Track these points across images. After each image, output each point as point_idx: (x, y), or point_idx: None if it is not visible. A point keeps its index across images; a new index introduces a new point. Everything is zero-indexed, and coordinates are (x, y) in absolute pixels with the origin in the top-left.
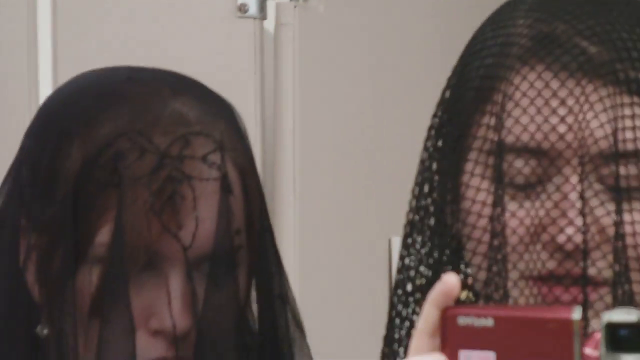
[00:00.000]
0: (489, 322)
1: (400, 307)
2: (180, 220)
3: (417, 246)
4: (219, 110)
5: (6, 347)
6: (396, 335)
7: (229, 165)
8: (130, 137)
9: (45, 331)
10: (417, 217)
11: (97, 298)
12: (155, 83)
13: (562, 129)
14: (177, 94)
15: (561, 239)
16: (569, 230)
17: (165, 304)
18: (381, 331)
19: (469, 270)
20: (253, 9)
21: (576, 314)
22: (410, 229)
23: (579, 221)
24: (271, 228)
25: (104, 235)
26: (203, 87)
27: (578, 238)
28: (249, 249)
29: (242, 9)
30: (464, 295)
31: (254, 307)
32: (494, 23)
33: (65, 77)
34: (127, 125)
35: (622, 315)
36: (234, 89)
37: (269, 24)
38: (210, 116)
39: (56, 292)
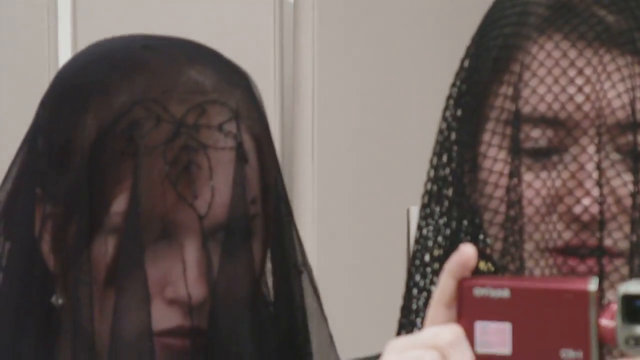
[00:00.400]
0: (505, 293)
1: (417, 277)
2: (196, 189)
3: (435, 216)
4: (235, 79)
5: (21, 317)
6: (413, 306)
7: (245, 134)
8: (146, 106)
9: (61, 301)
10: (435, 188)
11: (112, 267)
12: (171, 51)
13: (579, 98)
14: (193, 62)
15: (578, 209)
16: (586, 201)
17: (180, 274)
18: (398, 301)
19: (488, 241)
20: None
21: (592, 285)
22: (429, 199)
23: (595, 192)
24: (287, 197)
25: (119, 205)
26: (219, 55)
27: (595, 209)
28: (264, 218)
29: None
30: (482, 265)
31: (271, 277)
32: None
33: (84, 44)
34: (143, 94)
35: (638, 286)
36: (253, 58)
37: None
38: (226, 84)
39: (71, 262)
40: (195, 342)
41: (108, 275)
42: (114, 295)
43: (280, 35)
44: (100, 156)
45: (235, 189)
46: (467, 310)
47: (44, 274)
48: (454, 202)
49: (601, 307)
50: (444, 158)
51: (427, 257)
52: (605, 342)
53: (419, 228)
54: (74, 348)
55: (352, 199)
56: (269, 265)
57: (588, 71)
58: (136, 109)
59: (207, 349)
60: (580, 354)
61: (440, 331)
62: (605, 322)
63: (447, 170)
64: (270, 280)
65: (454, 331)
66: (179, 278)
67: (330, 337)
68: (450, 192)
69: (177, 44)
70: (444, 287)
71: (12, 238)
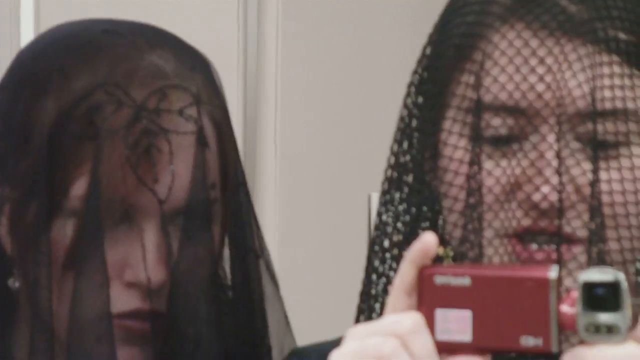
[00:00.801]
0: (465, 281)
1: (376, 263)
2: (156, 173)
3: (395, 203)
4: (196, 64)
5: None
6: (373, 291)
7: (205, 119)
8: (107, 90)
9: (17, 284)
10: (395, 174)
11: (71, 251)
12: (131, 36)
13: (540, 87)
14: (154, 47)
15: (537, 197)
16: (545, 189)
17: (140, 257)
18: (358, 287)
19: (447, 228)
20: None
21: (553, 272)
22: (389, 185)
23: (554, 180)
24: (246, 183)
25: (79, 188)
26: (180, 40)
27: (553, 196)
28: (223, 202)
29: None
30: (441, 251)
31: (229, 261)
32: None
33: (46, 27)
34: (104, 78)
35: (599, 274)
36: (217, 44)
37: None
38: (188, 69)
39: (29, 245)
40: (154, 325)
41: (67, 258)
42: (73, 278)
43: (244, 25)
44: (60, 140)
45: (196, 173)
46: (428, 298)
47: (1, 257)
48: (414, 188)
49: (561, 294)
50: (405, 145)
51: (386, 243)
52: (565, 329)
53: (379, 214)
54: (32, 330)
55: (314, 186)
56: (227, 251)
57: (549, 60)
58: (97, 93)
59: (165, 332)
60: (540, 341)
61: (400, 319)
62: (565, 308)
63: (408, 157)
64: (228, 265)
65: (414, 319)
66: (138, 261)
67: (287, 319)
68: (410, 178)
69: (137, 29)
70: (404, 274)
71: None
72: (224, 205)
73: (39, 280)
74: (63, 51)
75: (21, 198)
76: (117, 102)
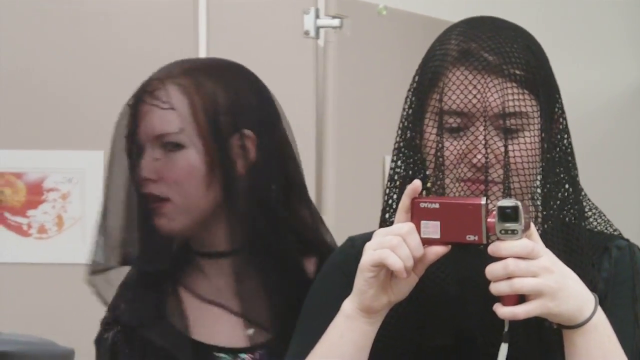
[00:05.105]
0: (436, 206)
1: (389, 198)
2: None
3: (399, 164)
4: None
5: None
6: (387, 215)
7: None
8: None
9: None
10: (401, 145)
11: None
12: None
13: (474, 101)
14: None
15: (474, 160)
16: (479, 156)
17: None
18: (378, 214)
19: (428, 177)
20: (312, 33)
21: (483, 200)
22: (397, 154)
23: (483, 151)
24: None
25: None
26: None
27: (483, 160)
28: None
29: (307, 33)
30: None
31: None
32: (439, 42)
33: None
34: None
35: (507, 201)
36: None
37: (321, 42)
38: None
39: None
40: None
41: None
42: None
43: (315, 68)
44: None
45: None
46: (416, 215)
47: None
48: (409, 156)
49: (488, 212)
50: (405, 130)
51: (394, 189)
52: (490, 232)
53: (390, 172)
54: None
55: (343, 152)
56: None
57: (479, 87)
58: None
59: None
60: (476, 237)
61: (402, 226)
62: (490, 220)
63: (406, 138)
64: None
65: (409, 226)
66: None
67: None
68: (407, 150)
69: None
70: (403, 202)
71: None
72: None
73: None
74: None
75: None
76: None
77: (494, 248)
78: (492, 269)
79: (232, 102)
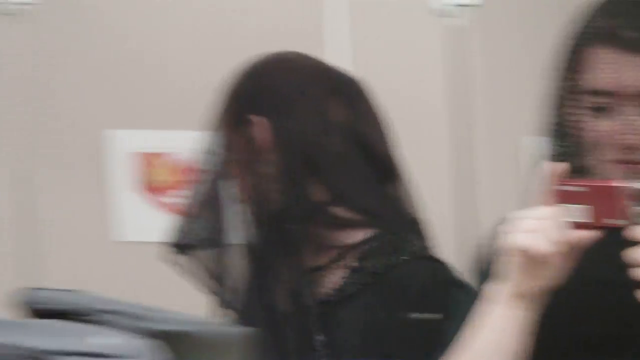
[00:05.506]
0: (582, 189)
1: (531, 180)
2: None
3: (545, 144)
4: None
5: None
6: (528, 198)
7: None
8: None
9: None
10: (545, 127)
11: None
12: None
13: (628, 81)
14: None
15: (627, 141)
16: (632, 137)
17: None
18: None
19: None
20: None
21: (627, 184)
22: (541, 135)
23: (637, 132)
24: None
25: None
26: None
27: (638, 141)
28: None
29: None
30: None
31: None
32: (583, 18)
33: None
34: None
35: None
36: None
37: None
38: None
39: None
40: None
41: None
42: None
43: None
44: None
45: None
46: (561, 198)
47: None
48: (557, 137)
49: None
50: (550, 111)
51: (536, 171)
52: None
53: (533, 154)
54: None
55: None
56: None
57: (631, 65)
58: None
59: None
60: (621, 221)
61: (546, 209)
62: (630, 204)
63: (552, 116)
64: None
65: (554, 209)
66: None
67: None
68: (553, 131)
69: None
70: (547, 185)
71: None
72: None
73: None
74: None
75: None
76: None
77: (635, 232)
78: (634, 254)
79: None
